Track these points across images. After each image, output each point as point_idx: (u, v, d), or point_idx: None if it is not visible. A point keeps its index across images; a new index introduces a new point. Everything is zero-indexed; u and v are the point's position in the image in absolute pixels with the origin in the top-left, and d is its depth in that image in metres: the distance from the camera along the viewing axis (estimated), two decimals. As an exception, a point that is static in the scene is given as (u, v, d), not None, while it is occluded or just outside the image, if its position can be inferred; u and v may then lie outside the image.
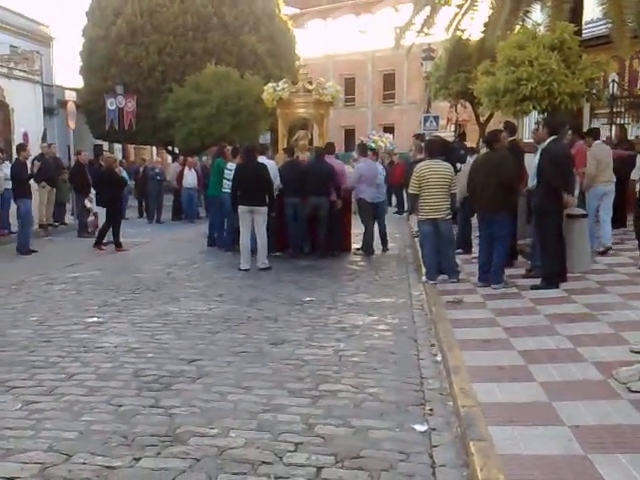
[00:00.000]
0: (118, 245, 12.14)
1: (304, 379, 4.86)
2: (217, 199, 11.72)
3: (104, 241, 12.53)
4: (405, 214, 17.43)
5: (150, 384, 4.78)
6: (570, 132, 10.78)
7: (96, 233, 13.14)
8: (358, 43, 43.64)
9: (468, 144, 13.62)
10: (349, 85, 41.99)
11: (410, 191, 8.10)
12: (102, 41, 26.57)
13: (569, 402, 4.00)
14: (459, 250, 9.89)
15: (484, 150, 9.62)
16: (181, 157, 20.23)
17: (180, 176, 17.80)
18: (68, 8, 51.30)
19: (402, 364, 5.20)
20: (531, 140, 10.50)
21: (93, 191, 13.49)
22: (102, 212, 12.51)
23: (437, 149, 8.38)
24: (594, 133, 9.92)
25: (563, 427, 3.65)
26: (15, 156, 14.88)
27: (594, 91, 11.09)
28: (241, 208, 9.65)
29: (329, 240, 10.76)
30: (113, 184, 12.30)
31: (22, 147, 12.80)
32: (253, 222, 9.63)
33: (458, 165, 9.95)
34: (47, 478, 3.39)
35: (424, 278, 8.17)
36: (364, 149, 11.90)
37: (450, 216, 8.15)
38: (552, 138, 7.26)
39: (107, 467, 3.49)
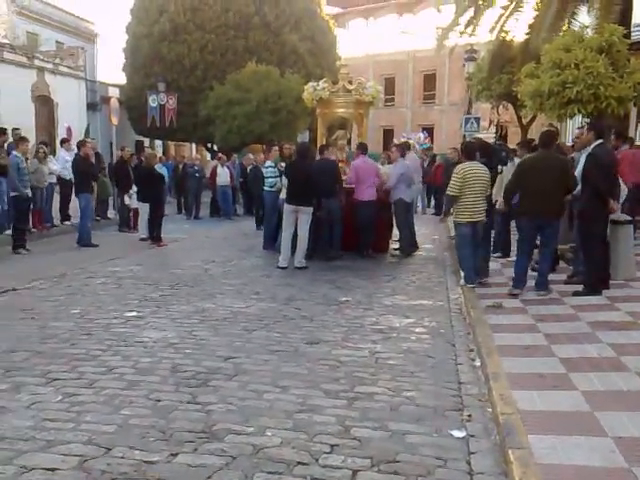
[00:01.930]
0: (158, 240, 12.31)
1: (340, 380, 4.84)
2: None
3: (143, 236, 12.74)
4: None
5: (188, 380, 4.82)
6: (614, 136, 10.58)
7: (138, 228, 13.40)
8: (399, 43, 43.45)
9: (511, 146, 13.40)
10: (389, 85, 41.82)
11: (450, 193, 7.86)
12: (145, 39, 26.94)
13: (612, 412, 3.91)
14: (497, 254, 9.78)
15: (522, 153, 9.50)
16: (220, 154, 20.41)
17: (214, 173, 17.93)
18: (113, 5, 52.23)
19: (440, 368, 5.15)
20: (569, 143, 10.33)
21: (134, 187, 13.69)
22: (144, 208, 12.71)
23: (474, 151, 8.25)
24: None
25: (605, 438, 3.57)
26: (60, 150, 15.25)
27: (642, 95, 10.81)
28: (286, 207, 9.73)
29: (353, 240, 10.66)
30: (153, 180, 12.48)
31: (82, 143, 13.06)
32: (297, 221, 9.66)
33: (500, 168, 9.80)
34: (86, 471, 3.44)
35: (462, 281, 8.08)
36: (404, 149, 11.83)
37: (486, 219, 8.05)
38: (598, 142, 7.11)
39: (145, 462, 3.53)
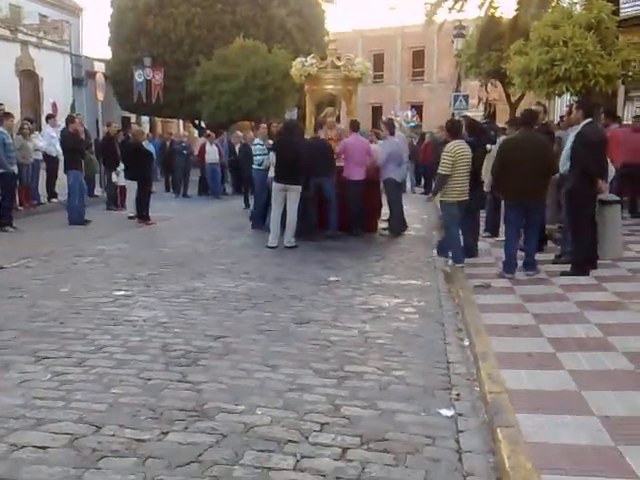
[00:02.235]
0: (146, 218, 12.25)
1: (330, 359, 4.86)
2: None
3: (131, 214, 12.67)
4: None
5: (178, 359, 4.82)
6: (603, 115, 10.60)
7: (126, 206, 13.34)
8: (388, 19, 43.32)
9: (499, 125, 13.42)
10: (378, 61, 41.59)
11: (443, 172, 7.66)
12: (131, 12, 26.49)
13: (599, 392, 3.96)
14: (487, 233, 9.81)
15: (511, 131, 9.47)
16: (208, 131, 20.25)
17: (202, 151, 17.78)
18: (97, -22, 51.31)
19: (428, 348, 5.18)
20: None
21: (121, 165, 13.59)
22: (132, 186, 12.62)
23: (460, 129, 8.17)
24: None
25: (592, 417, 3.62)
26: (45, 126, 15.05)
27: (630, 73, 10.83)
28: (275, 185, 9.66)
29: (343, 220, 10.65)
30: (140, 157, 12.37)
31: (71, 119, 12.83)
32: (286, 200, 9.63)
33: (488, 146, 9.79)
34: (77, 449, 3.44)
35: (450, 262, 8.09)
36: (392, 127, 11.77)
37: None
38: (587, 121, 7.10)
39: (136, 440, 3.54)
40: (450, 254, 8.14)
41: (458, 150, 7.63)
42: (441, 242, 8.55)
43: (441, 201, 7.97)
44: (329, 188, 10.31)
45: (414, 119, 27.14)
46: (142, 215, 12.32)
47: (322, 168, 10.14)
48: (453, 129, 8.09)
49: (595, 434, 3.42)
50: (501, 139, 9.16)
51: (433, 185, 8.16)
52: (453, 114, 20.34)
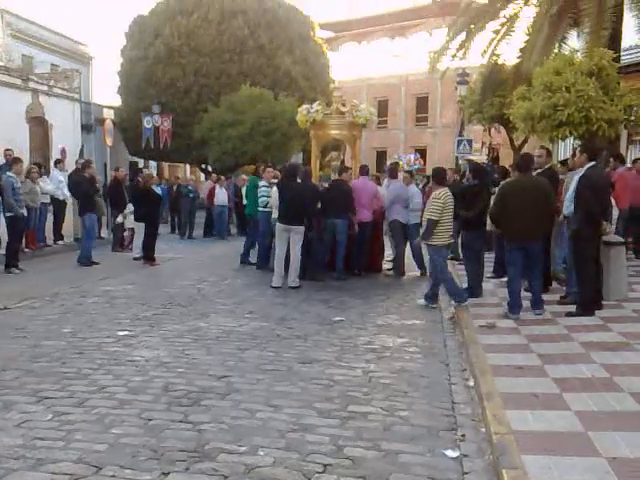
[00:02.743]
0: (152, 259, 12.30)
1: (333, 399, 4.81)
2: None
3: (137, 255, 12.73)
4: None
5: (180, 399, 4.78)
6: (612, 159, 10.72)
7: (131, 248, 13.43)
8: (392, 66, 43.99)
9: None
10: (382, 107, 42.12)
11: (434, 217, 7.97)
12: (140, 61, 27.07)
13: (605, 433, 3.90)
14: (492, 274, 9.80)
15: (515, 175, 9.57)
16: (214, 175, 20.45)
17: (211, 194, 18.01)
18: (108, 28, 52.62)
19: (433, 388, 5.13)
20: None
21: (130, 207, 13.73)
22: (140, 228, 12.73)
23: (445, 177, 8.62)
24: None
25: (600, 458, 3.55)
26: (54, 170, 15.24)
27: (632, 118, 10.93)
28: (278, 226, 9.77)
29: (350, 261, 10.74)
30: (150, 200, 12.52)
31: (88, 164, 13.25)
32: (289, 241, 9.68)
33: (493, 189, 9.87)
34: (76, 489, 3.40)
35: (454, 302, 8.18)
36: (395, 171, 11.88)
37: None
38: (591, 164, 7.16)
39: (136, 481, 3.49)
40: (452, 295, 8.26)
41: (446, 197, 8.06)
42: (432, 290, 8.58)
43: (433, 245, 8.20)
44: (342, 230, 10.37)
45: (416, 162, 27.33)
46: (148, 256, 12.37)
47: (341, 210, 10.30)
48: (439, 177, 8.44)
49: (603, 476, 3.36)
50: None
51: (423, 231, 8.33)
52: (457, 158, 20.56)
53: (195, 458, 3.78)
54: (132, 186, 14.26)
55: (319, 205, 10.36)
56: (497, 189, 9.27)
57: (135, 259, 12.74)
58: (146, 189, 12.76)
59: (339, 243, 10.47)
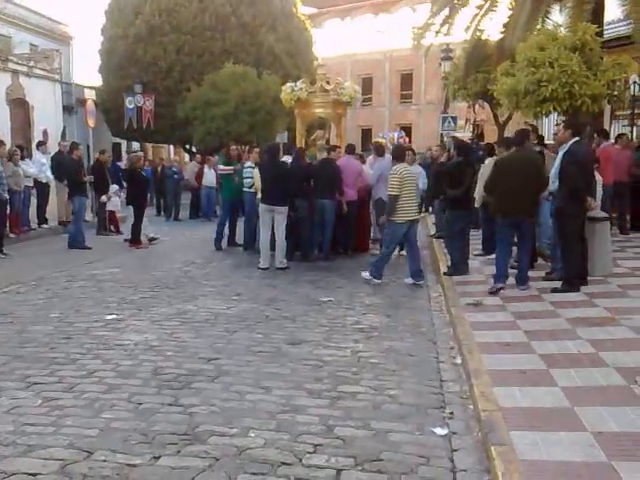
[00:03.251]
0: (137, 242, 12.25)
1: (323, 380, 4.85)
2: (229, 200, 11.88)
3: (125, 238, 12.67)
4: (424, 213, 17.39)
5: (169, 382, 4.79)
6: (596, 135, 10.75)
7: (113, 230, 13.39)
8: (376, 43, 43.68)
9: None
10: (366, 85, 41.92)
11: (392, 193, 8.16)
12: (121, 40, 26.70)
13: (592, 408, 3.96)
14: (480, 252, 9.85)
15: (501, 151, 9.59)
16: (198, 156, 20.30)
17: (200, 175, 17.88)
18: (87, 7, 51.71)
19: (421, 366, 5.17)
20: (551, 142, 10.45)
21: (113, 188, 13.66)
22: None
23: (404, 153, 8.77)
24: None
25: (585, 433, 3.61)
26: (36, 153, 15.06)
27: (615, 93, 10.97)
28: (262, 207, 9.72)
29: (338, 241, 10.77)
30: (137, 183, 12.42)
31: (75, 146, 13.16)
32: (273, 221, 9.66)
33: (477, 166, 9.89)
34: (68, 475, 3.41)
35: (367, 274, 8.57)
36: (381, 149, 11.84)
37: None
38: (574, 140, 7.18)
39: (127, 465, 3.50)
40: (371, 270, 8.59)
41: (404, 172, 8.22)
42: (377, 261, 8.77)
43: (390, 221, 8.33)
44: (330, 209, 10.36)
45: (400, 140, 27.30)
46: (133, 239, 12.31)
47: (329, 190, 10.27)
48: (397, 153, 8.64)
49: (589, 450, 3.42)
50: (492, 159, 9.24)
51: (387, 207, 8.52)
52: (442, 135, 20.55)
53: (186, 441, 3.79)
54: (117, 168, 14.16)
55: (311, 183, 10.34)
56: (492, 165, 9.31)
57: (125, 240, 12.67)
58: (133, 171, 12.65)
59: (327, 223, 10.45)
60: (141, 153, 14.36)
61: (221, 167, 11.95)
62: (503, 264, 7.46)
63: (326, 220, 10.41)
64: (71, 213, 12.54)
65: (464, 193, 8.59)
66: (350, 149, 11.36)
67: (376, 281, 8.43)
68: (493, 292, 7.29)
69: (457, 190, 8.57)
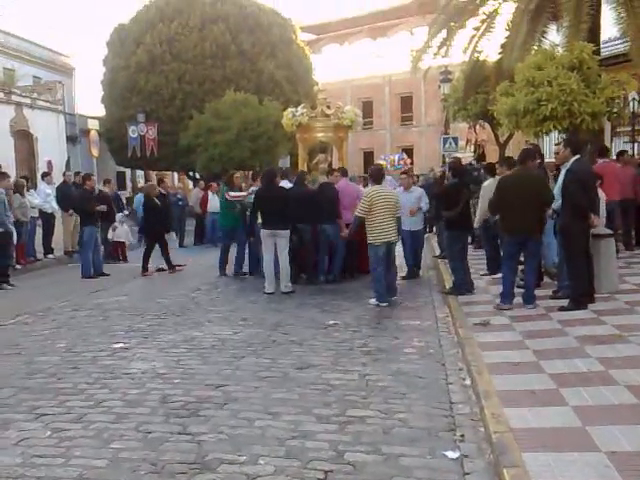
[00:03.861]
0: (144, 269, 12.27)
1: (331, 404, 4.81)
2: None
3: (161, 267, 12.71)
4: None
5: (177, 410, 4.77)
6: (597, 153, 10.78)
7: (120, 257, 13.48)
8: (375, 67, 44.05)
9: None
10: (367, 108, 42.20)
11: (357, 214, 8.50)
12: (123, 70, 27.02)
13: (604, 427, 3.92)
14: (486, 272, 9.83)
15: (502, 171, 9.62)
16: (202, 182, 20.39)
17: (204, 201, 17.96)
18: (89, 38, 52.36)
19: (430, 389, 5.14)
20: (552, 160, 10.47)
21: (119, 217, 13.75)
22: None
23: (381, 176, 8.87)
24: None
25: (599, 453, 3.57)
26: (41, 183, 15.16)
27: (615, 110, 11.01)
28: (263, 232, 9.71)
29: (339, 264, 10.68)
30: (151, 211, 12.47)
31: (88, 176, 13.23)
32: (275, 246, 9.66)
33: (472, 187, 9.94)
34: (78, 507, 3.39)
35: (373, 300, 8.56)
36: (377, 174, 11.68)
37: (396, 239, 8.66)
38: (575, 158, 7.21)
39: (137, 496, 3.48)
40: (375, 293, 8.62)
41: (374, 194, 8.39)
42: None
43: (368, 244, 8.55)
44: (332, 233, 10.33)
45: (400, 162, 27.37)
46: (168, 266, 12.48)
47: (328, 215, 10.23)
48: (373, 175, 8.82)
49: (603, 470, 3.38)
50: (493, 179, 9.25)
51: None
52: (444, 156, 20.62)
53: (195, 470, 3.77)
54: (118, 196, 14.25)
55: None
56: (494, 184, 9.34)
57: (162, 270, 12.66)
58: (150, 200, 12.70)
59: (337, 246, 10.43)
60: (154, 183, 14.31)
61: (232, 194, 11.78)
62: (509, 282, 7.49)
63: (335, 244, 10.38)
64: (77, 243, 12.54)
65: (460, 214, 8.61)
66: (344, 172, 11.28)
67: (383, 305, 8.43)
68: (499, 310, 7.29)
69: (452, 211, 8.62)
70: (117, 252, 14.51)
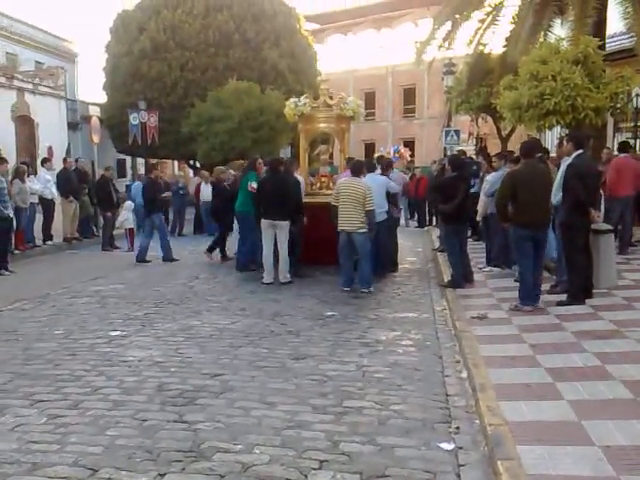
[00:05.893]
0: (219, 254, 12.42)
1: (327, 395, 4.82)
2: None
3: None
4: (426, 227, 17.42)
5: (174, 398, 4.78)
6: (607, 150, 10.73)
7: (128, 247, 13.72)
8: (378, 58, 43.91)
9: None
10: (369, 99, 42.13)
11: (332, 203, 8.96)
12: (125, 57, 26.92)
13: (599, 421, 3.93)
14: (485, 265, 9.82)
15: (499, 164, 9.62)
16: (202, 172, 20.35)
17: (198, 190, 17.85)
18: (92, 24, 52.16)
19: (427, 381, 5.15)
20: (553, 154, 10.45)
21: (128, 204, 13.94)
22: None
23: (361, 168, 9.23)
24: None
25: (593, 447, 3.58)
26: (41, 169, 15.13)
27: (618, 105, 10.98)
28: (263, 222, 9.69)
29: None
30: (221, 196, 12.42)
31: (154, 166, 13.49)
32: (275, 236, 9.65)
33: (472, 181, 9.90)
34: (73, 493, 3.40)
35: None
36: (370, 165, 11.50)
37: (364, 230, 8.75)
38: (577, 153, 7.18)
39: (132, 482, 3.49)
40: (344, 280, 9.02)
41: (341, 186, 8.93)
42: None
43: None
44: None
45: (396, 155, 27.26)
46: (210, 249, 12.49)
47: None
48: (354, 169, 9.13)
49: (597, 464, 3.39)
50: (500, 172, 9.18)
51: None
52: (445, 149, 20.58)
53: (191, 458, 3.78)
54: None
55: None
56: (491, 178, 9.33)
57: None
58: (219, 185, 12.72)
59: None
60: (224, 167, 13.95)
61: (254, 185, 11.07)
62: (529, 280, 7.11)
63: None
64: (153, 229, 12.57)
65: (457, 207, 8.57)
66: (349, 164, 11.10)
67: (370, 289, 8.85)
68: (518, 311, 7.01)
69: (449, 205, 8.58)
70: (131, 238, 14.36)
